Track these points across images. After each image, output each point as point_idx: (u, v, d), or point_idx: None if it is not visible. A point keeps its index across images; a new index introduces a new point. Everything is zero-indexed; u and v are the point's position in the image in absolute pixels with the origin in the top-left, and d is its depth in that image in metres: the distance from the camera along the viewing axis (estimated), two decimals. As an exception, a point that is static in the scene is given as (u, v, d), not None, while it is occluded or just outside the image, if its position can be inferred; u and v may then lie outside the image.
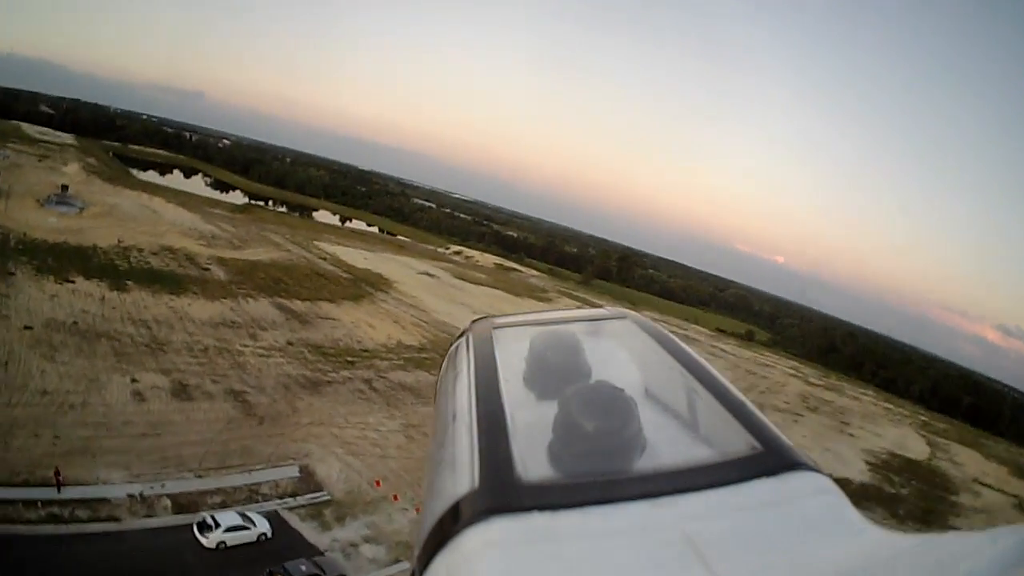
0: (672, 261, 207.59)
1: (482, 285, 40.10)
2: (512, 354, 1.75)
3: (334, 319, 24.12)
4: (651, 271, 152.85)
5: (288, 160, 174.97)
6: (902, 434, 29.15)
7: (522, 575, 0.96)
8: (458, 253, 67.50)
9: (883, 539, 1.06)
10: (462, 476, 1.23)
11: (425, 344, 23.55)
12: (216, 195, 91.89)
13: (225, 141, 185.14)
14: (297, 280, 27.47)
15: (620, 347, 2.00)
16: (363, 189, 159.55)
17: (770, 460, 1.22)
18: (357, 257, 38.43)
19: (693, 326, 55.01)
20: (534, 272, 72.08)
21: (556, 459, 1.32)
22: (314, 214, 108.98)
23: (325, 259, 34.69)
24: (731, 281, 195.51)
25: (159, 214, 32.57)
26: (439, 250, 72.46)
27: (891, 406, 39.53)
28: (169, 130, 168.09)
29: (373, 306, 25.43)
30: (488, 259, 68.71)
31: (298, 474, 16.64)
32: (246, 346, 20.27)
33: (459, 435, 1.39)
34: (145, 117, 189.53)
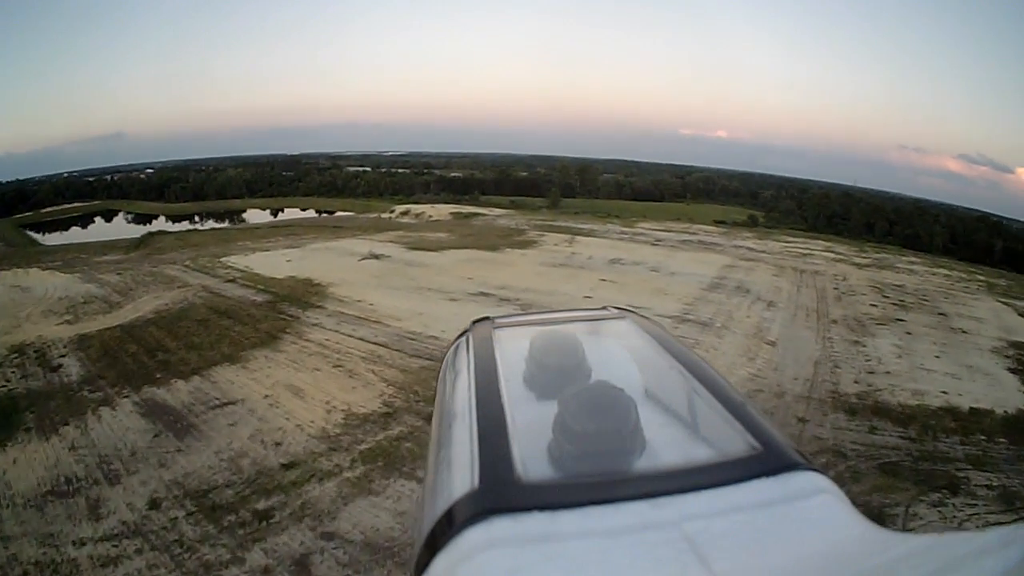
0: (624, 161, 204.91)
1: (446, 249, 29.50)
2: (512, 354, 2.62)
3: (234, 402, 13.17)
4: (611, 176, 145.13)
5: (210, 169, 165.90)
6: (992, 309, 20.86)
7: (522, 575, 1.26)
8: (406, 213, 56.62)
9: (883, 539, 1.37)
10: (462, 476, 1.66)
11: (394, 400, 12.59)
12: (133, 230, 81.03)
13: (148, 171, 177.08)
14: (185, 337, 16.73)
15: (620, 347, 3.00)
16: (291, 174, 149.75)
17: (770, 460, 1.63)
18: (279, 261, 27.17)
19: (699, 226, 45.29)
20: (497, 210, 60.93)
21: (556, 459, 1.85)
22: (244, 215, 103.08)
23: (234, 281, 23.42)
24: (687, 166, 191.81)
25: (28, 291, 22.70)
26: (383, 216, 58.74)
27: (945, 271, 31.36)
28: (88, 179, 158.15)
29: (299, 344, 16.05)
30: (442, 210, 56.19)
31: None
32: (80, 544, 9.43)
33: (459, 435, 1.94)
34: (66, 175, 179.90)
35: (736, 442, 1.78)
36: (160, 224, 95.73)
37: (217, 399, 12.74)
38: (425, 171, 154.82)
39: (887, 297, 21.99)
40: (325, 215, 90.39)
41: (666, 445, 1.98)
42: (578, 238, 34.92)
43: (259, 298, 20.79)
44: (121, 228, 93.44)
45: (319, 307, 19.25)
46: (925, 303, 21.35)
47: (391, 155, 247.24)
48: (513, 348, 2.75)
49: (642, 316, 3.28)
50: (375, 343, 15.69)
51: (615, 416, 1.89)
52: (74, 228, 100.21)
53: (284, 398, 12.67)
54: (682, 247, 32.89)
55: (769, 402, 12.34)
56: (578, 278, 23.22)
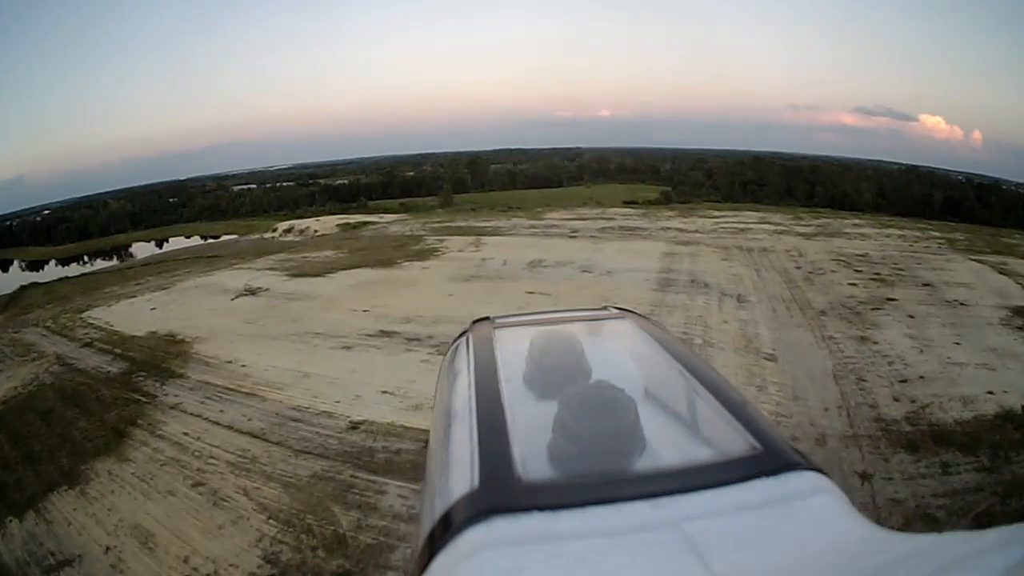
0: (509, 150, 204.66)
1: (334, 271, 24.92)
2: (512, 354, 2.61)
3: (71, 561, 8.56)
4: (500, 166, 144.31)
5: (97, 205, 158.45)
6: (972, 270, 18.62)
7: (522, 575, 1.25)
8: (289, 230, 51.66)
9: (883, 539, 1.37)
10: (462, 476, 1.65)
11: (280, 549, 7.01)
12: (27, 278, 76.46)
13: (45, 212, 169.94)
14: (25, 442, 10.93)
15: (620, 347, 3.04)
16: (176, 200, 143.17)
17: (770, 460, 1.63)
18: (142, 311, 22.20)
19: (612, 210, 42.18)
20: (388, 215, 55.79)
21: (556, 459, 1.82)
22: (131, 250, 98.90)
23: (91, 344, 18.33)
24: (573, 148, 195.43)
25: None
26: (266, 236, 54.38)
27: (895, 230, 28.81)
28: None
29: (151, 447, 11.19)
30: (328, 222, 51.11)
31: None
32: None
33: (459, 435, 1.93)
34: None
35: (736, 442, 1.77)
36: (50, 269, 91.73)
37: (52, 553, 8.91)
38: (310, 182, 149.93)
39: (860, 272, 19.15)
40: (210, 240, 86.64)
41: (666, 445, 1.96)
42: (484, 239, 30.56)
43: (114, 368, 16.38)
44: (17, 278, 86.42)
45: (181, 376, 14.92)
46: (902, 273, 18.64)
47: (277, 169, 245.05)
48: (513, 348, 2.72)
49: (642, 316, 3.26)
50: (249, 433, 11.55)
51: (615, 416, 1.87)
52: None
53: (130, 552, 8.59)
54: (605, 237, 28.94)
55: (813, 455, 8.64)
56: (499, 293, 18.93)
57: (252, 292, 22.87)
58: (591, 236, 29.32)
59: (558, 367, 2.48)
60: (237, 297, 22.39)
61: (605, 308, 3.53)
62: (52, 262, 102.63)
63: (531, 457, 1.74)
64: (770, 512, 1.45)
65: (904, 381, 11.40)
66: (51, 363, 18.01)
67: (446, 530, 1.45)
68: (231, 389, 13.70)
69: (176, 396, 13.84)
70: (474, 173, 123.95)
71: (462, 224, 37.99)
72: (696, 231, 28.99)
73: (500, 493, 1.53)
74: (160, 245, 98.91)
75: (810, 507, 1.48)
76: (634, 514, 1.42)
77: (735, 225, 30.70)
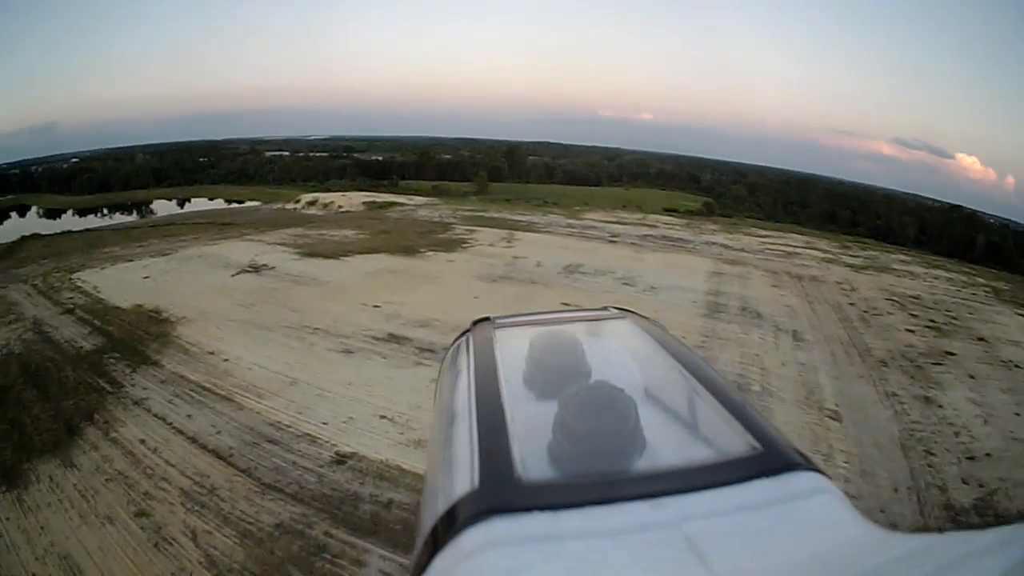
0: (548, 143, 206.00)
1: (350, 254, 22.95)
2: (512, 354, 2.53)
3: None
4: (539, 158, 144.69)
5: (121, 158, 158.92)
6: (1019, 327, 17.03)
7: (522, 575, 1.24)
8: (312, 203, 49.83)
9: (883, 539, 1.38)
10: (462, 476, 1.62)
11: None
12: (43, 225, 76.07)
13: (74, 160, 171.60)
14: None
15: (620, 347, 2.96)
16: (204, 160, 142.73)
17: (770, 460, 1.61)
18: (134, 279, 20.71)
19: (654, 216, 39.31)
20: (418, 197, 53.91)
21: (556, 459, 1.80)
22: (152, 207, 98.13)
23: (72, 311, 17.02)
24: (613, 148, 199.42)
25: None
26: (287, 206, 52.65)
27: (943, 272, 26.14)
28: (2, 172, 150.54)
29: (101, 452, 9.42)
30: (354, 199, 49.11)
31: None
32: None
33: (459, 435, 1.88)
34: None
35: (736, 442, 1.76)
36: (67, 219, 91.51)
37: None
38: (344, 155, 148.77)
39: (915, 317, 17.21)
40: (234, 205, 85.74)
41: (666, 445, 1.96)
42: (518, 234, 28.10)
43: (87, 344, 14.56)
44: (33, 224, 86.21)
45: (155, 364, 13.01)
46: (956, 323, 16.74)
47: (313, 139, 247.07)
48: (513, 348, 2.70)
49: (642, 316, 3.27)
50: (214, 452, 9.57)
51: (615, 416, 1.86)
52: None
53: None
54: (647, 245, 26.54)
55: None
56: (531, 300, 16.72)
57: (256, 269, 20.93)
58: (632, 243, 27.01)
59: (558, 367, 2.45)
60: (238, 273, 20.45)
61: (605, 308, 3.48)
62: (70, 211, 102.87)
63: (531, 457, 1.72)
64: (770, 512, 1.43)
65: (971, 458, 9.94)
66: (25, 330, 16.28)
67: (446, 530, 1.43)
68: (206, 389, 11.75)
69: (144, 389, 11.92)
70: (511, 163, 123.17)
71: (495, 215, 35.74)
72: (742, 249, 26.78)
73: (500, 493, 1.50)
74: (182, 204, 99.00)
75: (810, 507, 1.47)
76: (634, 514, 1.42)
77: (782, 247, 28.42)
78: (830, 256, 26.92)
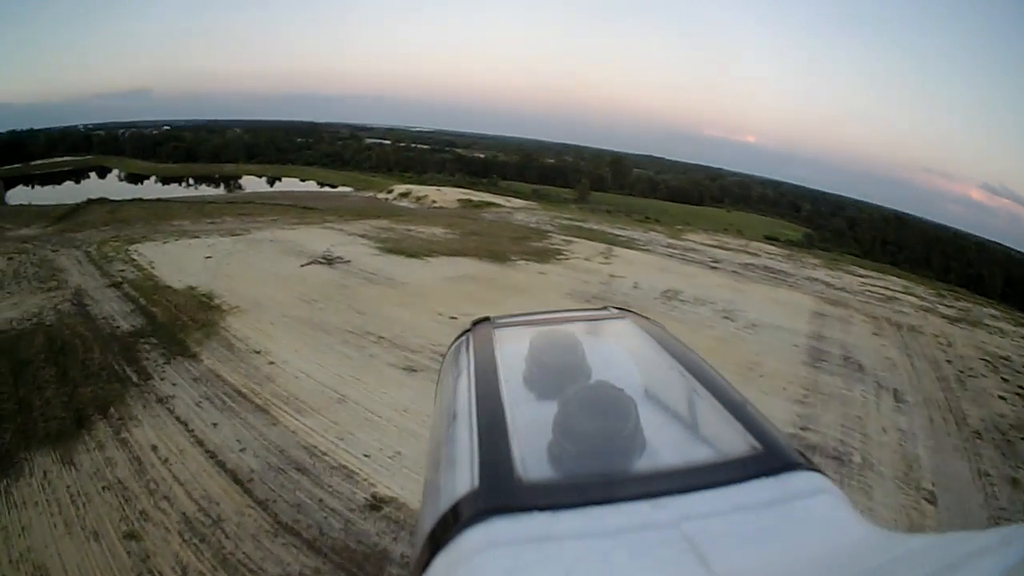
0: (651, 157, 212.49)
1: (434, 255, 22.07)
2: (512, 354, 2.55)
3: None
4: (643, 172, 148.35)
5: (210, 129, 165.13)
6: None
7: (522, 575, 1.28)
8: (405, 195, 49.85)
9: (884, 539, 1.40)
10: (462, 476, 1.65)
11: None
12: (122, 189, 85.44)
13: (166, 128, 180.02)
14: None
15: (620, 347, 2.96)
16: (301, 140, 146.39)
17: (770, 460, 1.66)
18: (195, 257, 20.48)
19: (756, 244, 38.88)
20: (516, 200, 53.72)
21: (556, 459, 1.82)
22: (241, 182, 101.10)
23: (119, 286, 17.26)
24: (717, 169, 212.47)
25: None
26: (379, 195, 53.13)
27: None
28: (86, 133, 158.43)
29: (106, 453, 8.84)
30: (449, 195, 49.17)
31: None
32: None
33: (459, 435, 1.93)
34: (81, 128, 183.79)
35: (736, 442, 1.80)
36: (149, 185, 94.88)
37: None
38: (446, 149, 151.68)
39: (1006, 382, 16.58)
40: (326, 188, 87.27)
41: (666, 445, 1.98)
42: (616, 250, 27.40)
43: (125, 324, 14.11)
44: (111, 187, 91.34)
45: (192, 356, 12.35)
46: None
47: (417, 131, 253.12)
48: (513, 348, 2.70)
49: (642, 316, 3.27)
50: (232, 473, 8.69)
51: (615, 416, 1.87)
52: (68, 183, 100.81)
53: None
54: (749, 276, 25.99)
55: None
56: None
57: (329, 261, 20.30)
58: (733, 271, 26.47)
59: (558, 367, 2.48)
60: (309, 264, 19.83)
61: (605, 308, 3.43)
62: (152, 178, 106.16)
63: (531, 457, 1.72)
64: (770, 512, 1.48)
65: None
66: (65, 298, 16.02)
67: (446, 530, 1.46)
68: (241, 394, 10.92)
69: (173, 385, 11.21)
70: (615, 173, 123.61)
71: (594, 227, 35.34)
72: (843, 289, 26.37)
73: (500, 493, 1.51)
74: (272, 183, 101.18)
75: (810, 507, 1.51)
76: (634, 514, 1.44)
77: (881, 290, 27.89)
78: (927, 304, 26.36)
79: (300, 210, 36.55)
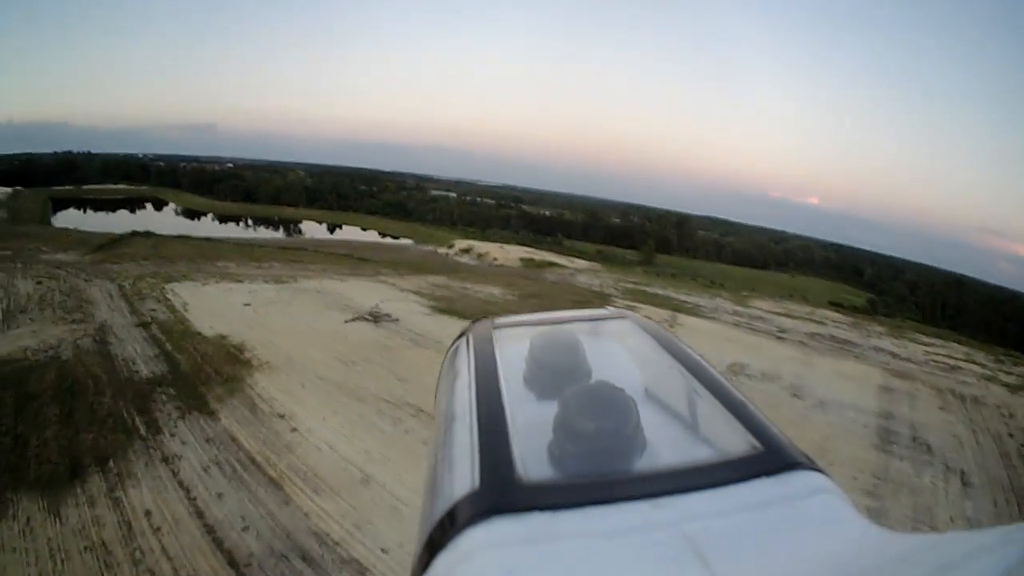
0: (714, 218, 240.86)
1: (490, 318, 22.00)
2: (512, 354, 2.57)
3: None
4: (707, 233, 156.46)
5: (271, 169, 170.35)
6: None
7: (523, 575, 1.30)
8: (467, 251, 50.00)
9: (884, 539, 1.41)
10: (462, 476, 1.65)
11: None
12: (176, 223, 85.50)
13: (229, 164, 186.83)
14: None
15: (620, 347, 2.95)
16: (365, 188, 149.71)
17: (770, 460, 1.67)
18: (233, 303, 20.33)
19: (822, 311, 39.40)
20: (579, 261, 54.30)
21: (556, 459, 1.84)
22: (302, 226, 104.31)
23: (148, 326, 17.01)
24: (781, 231, 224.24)
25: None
26: (439, 250, 53.62)
27: None
28: (141, 163, 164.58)
29: (83, 525, 7.86)
30: (512, 253, 50.05)
31: None
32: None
33: (459, 435, 1.91)
34: (140, 156, 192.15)
35: (737, 442, 1.80)
36: (205, 223, 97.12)
37: None
38: (511, 205, 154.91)
39: None
40: (387, 239, 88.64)
41: (667, 445, 1.99)
42: (681, 317, 27.29)
43: (145, 369, 13.78)
44: (167, 220, 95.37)
45: (209, 414, 11.87)
46: None
47: (484, 185, 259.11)
48: (513, 348, 2.71)
49: (642, 316, 3.24)
50: (227, 554, 8.02)
51: (615, 416, 1.86)
52: (122, 211, 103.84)
53: None
54: (815, 346, 25.83)
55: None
56: None
57: (375, 318, 19.85)
58: (800, 342, 26.30)
59: (558, 367, 2.50)
60: (353, 320, 19.39)
61: (605, 308, 3.45)
62: (210, 215, 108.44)
63: (531, 457, 1.73)
64: (771, 512, 1.48)
65: None
66: (88, 333, 15.83)
67: (446, 531, 1.46)
68: (255, 463, 10.34)
69: (182, 444, 10.71)
70: (680, 234, 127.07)
71: (659, 292, 35.66)
72: (908, 359, 26.29)
73: (500, 493, 1.51)
74: (332, 230, 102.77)
75: (811, 507, 1.51)
76: (635, 514, 1.45)
77: (944, 359, 27.70)
78: (988, 372, 25.97)
79: (354, 260, 36.56)
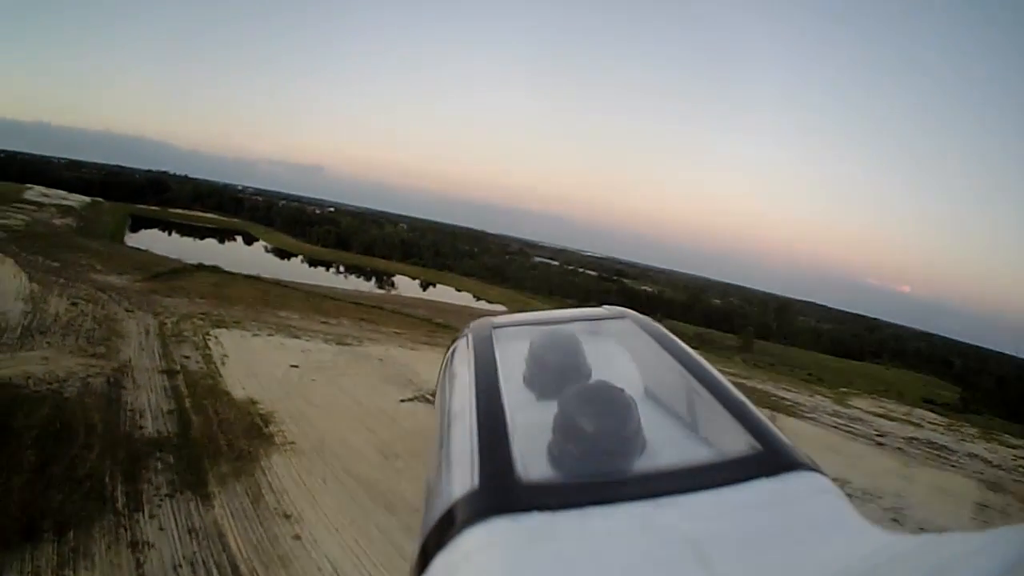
0: (809, 303, 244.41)
1: None
2: (512, 354, 3.15)
3: None
4: (806, 319, 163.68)
5: (403, 227, 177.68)
6: None
7: (522, 575, 1.37)
8: (560, 322, 50.34)
9: (883, 539, 1.52)
10: (462, 476, 1.82)
11: None
12: (264, 261, 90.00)
13: (330, 209, 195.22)
14: None
15: (620, 347, 3.58)
16: (467, 248, 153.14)
17: (770, 460, 1.86)
18: (279, 361, 19.13)
19: (918, 411, 38.52)
20: None
21: (556, 459, 2.12)
22: (395, 279, 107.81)
23: (176, 374, 15.92)
24: (875, 319, 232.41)
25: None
26: None
27: None
28: (237, 195, 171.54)
29: None
30: None
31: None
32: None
33: (459, 435, 2.12)
34: (239, 187, 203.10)
35: (736, 442, 2.02)
36: (295, 264, 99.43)
37: None
38: (614, 277, 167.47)
39: None
40: (482, 303, 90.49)
41: (666, 445, 2.24)
42: (779, 418, 26.00)
43: (151, 427, 12.84)
44: (255, 256, 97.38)
45: (204, 498, 10.59)
46: None
47: (588, 255, 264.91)
48: (513, 348, 3.11)
49: (642, 316, 3.56)
50: None
51: (615, 416, 2.11)
52: (210, 240, 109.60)
53: None
54: (914, 454, 24.65)
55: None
56: None
57: (431, 400, 18.64)
58: (898, 448, 25.22)
59: (558, 367, 2.85)
60: (410, 400, 18.03)
61: (604, 308, 3.87)
62: (300, 257, 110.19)
63: (531, 457, 1.91)
64: (770, 512, 1.61)
65: None
66: (103, 372, 15.14)
67: (446, 530, 1.58)
68: (238, 573, 9.22)
69: (159, 530, 9.59)
70: (780, 321, 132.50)
71: (757, 386, 35.03)
72: (999, 466, 25.54)
73: (500, 493, 1.66)
74: (425, 287, 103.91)
75: (810, 507, 1.67)
76: (634, 515, 1.57)
77: None
78: None
79: (433, 326, 35.86)
